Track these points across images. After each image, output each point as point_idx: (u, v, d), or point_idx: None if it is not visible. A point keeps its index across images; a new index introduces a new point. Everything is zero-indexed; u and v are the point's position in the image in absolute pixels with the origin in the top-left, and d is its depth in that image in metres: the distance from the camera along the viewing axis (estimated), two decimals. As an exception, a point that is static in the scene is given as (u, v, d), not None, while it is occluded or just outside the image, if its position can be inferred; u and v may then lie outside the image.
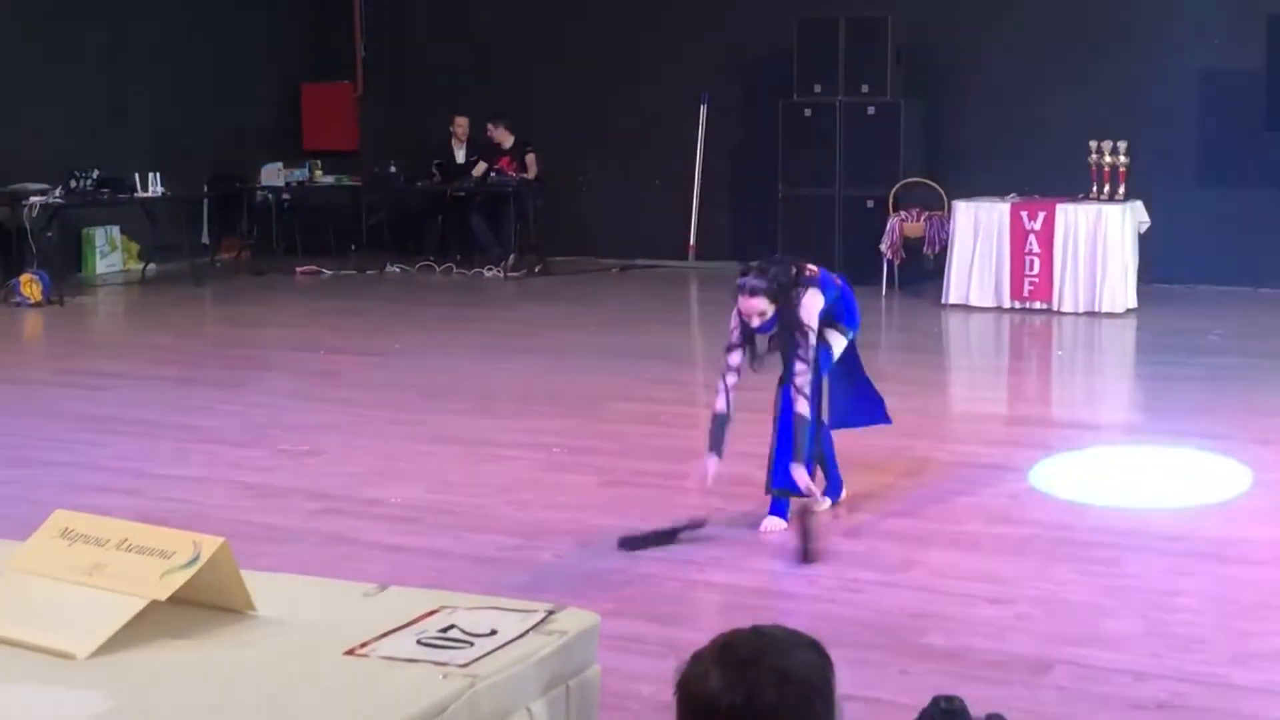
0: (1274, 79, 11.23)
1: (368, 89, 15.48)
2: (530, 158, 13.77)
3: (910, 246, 11.92)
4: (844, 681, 1.95)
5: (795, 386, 5.18)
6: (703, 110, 13.82)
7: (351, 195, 14.94)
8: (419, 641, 2.31)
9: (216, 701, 2.16)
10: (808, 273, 5.31)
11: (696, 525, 5.24)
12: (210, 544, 2.38)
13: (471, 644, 2.29)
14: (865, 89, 12.40)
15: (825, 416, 5.63)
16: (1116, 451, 6.79)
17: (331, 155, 15.12)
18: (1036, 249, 10.99)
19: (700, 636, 2.02)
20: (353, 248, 14.88)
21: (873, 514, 5.68)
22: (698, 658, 1.93)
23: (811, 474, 5.56)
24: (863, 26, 12.38)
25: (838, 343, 5.51)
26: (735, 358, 5.29)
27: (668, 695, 1.96)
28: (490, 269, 13.51)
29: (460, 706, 2.12)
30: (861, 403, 5.85)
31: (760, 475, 5.81)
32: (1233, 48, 11.67)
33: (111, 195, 12.74)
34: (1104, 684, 4.02)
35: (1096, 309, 10.77)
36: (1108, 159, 11.01)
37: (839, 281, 5.51)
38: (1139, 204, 11.11)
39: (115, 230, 13.89)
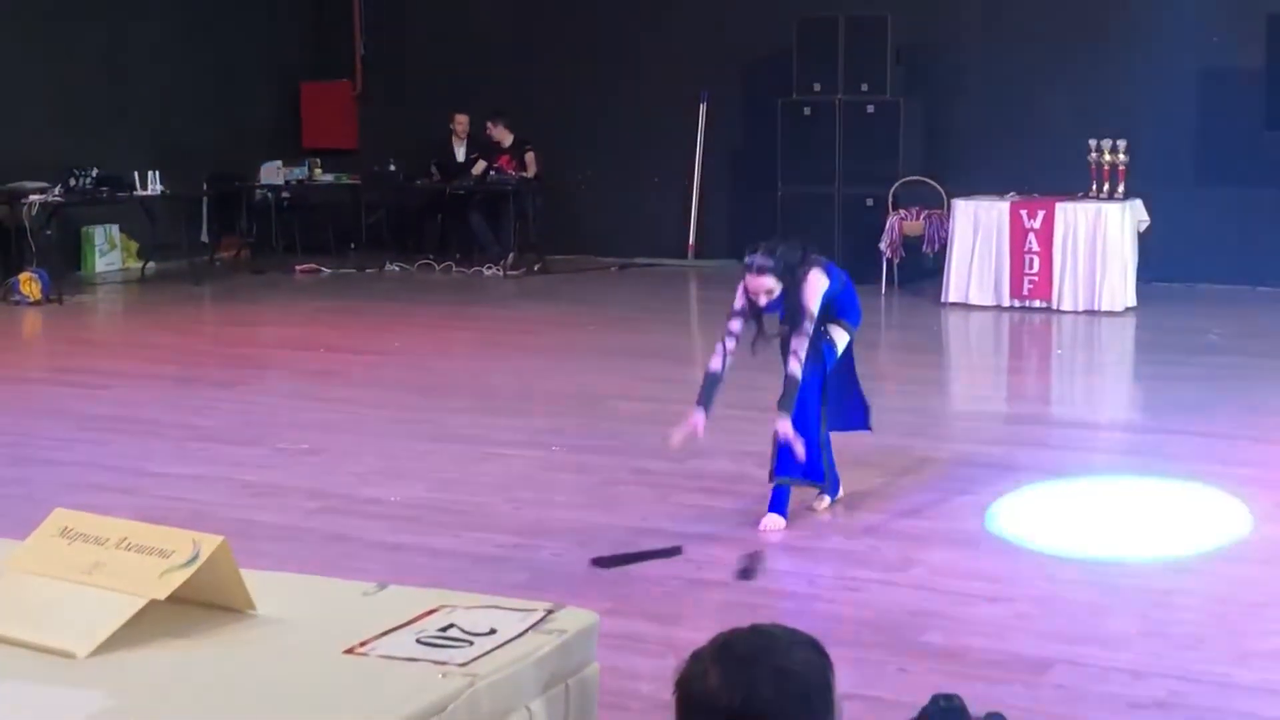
0: (1274, 78, 11.22)
1: (367, 87, 15.47)
2: (530, 156, 13.77)
3: (910, 245, 11.92)
4: (843, 680, 1.95)
5: (791, 350, 5.25)
6: (702, 109, 13.81)
7: (351, 194, 14.93)
8: (418, 640, 2.31)
9: (216, 700, 2.16)
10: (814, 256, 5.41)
11: (671, 552, 5.16)
12: (209, 543, 2.38)
13: (471, 643, 2.29)
14: (865, 88, 12.40)
15: (822, 414, 5.64)
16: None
17: (331, 154, 15.11)
18: (1036, 247, 10.98)
19: (699, 636, 2.03)
20: (352, 246, 14.87)
21: (872, 513, 5.68)
22: (697, 657, 1.93)
23: (822, 477, 5.57)
24: (862, 25, 12.37)
25: (841, 338, 5.53)
26: (736, 325, 5.37)
27: (667, 694, 1.96)
28: (489, 267, 13.50)
29: (460, 705, 2.12)
30: (848, 406, 5.84)
31: (759, 474, 5.82)
32: (1233, 47, 11.67)
33: (111, 194, 12.74)
34: (1103, 683, 4.03)
35: (1096, 308, 10.77)
36: (1107, 158, 11.01)
37: (843, 277, 5.54)
38: (1138, 203, 11.11)
39: (114, 229, 13.88)
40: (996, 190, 11.45)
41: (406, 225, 15.15)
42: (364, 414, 7.63)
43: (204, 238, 14.69)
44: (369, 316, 11.20)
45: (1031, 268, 11.00)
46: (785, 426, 5.24)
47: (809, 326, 5.26)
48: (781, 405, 5.25)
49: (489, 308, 11.76)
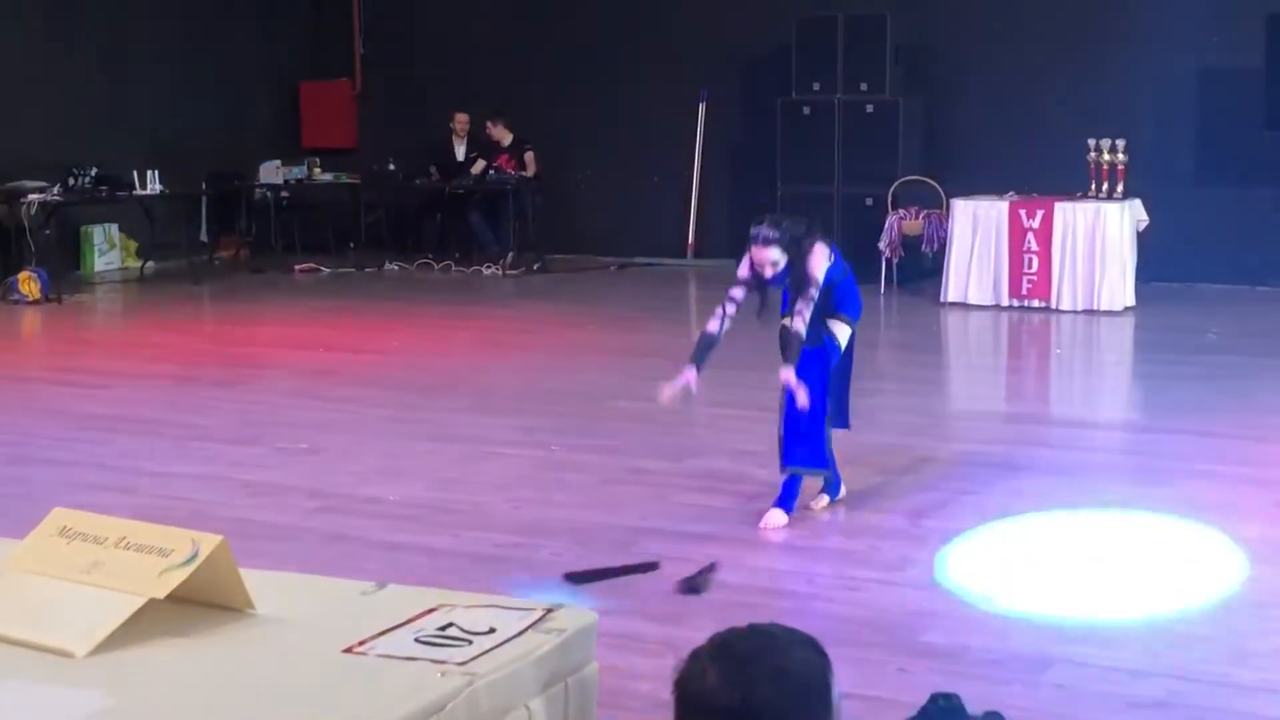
0: (1273, 78, 11.23)
1: (366, 87, 15.47)
2: (529, 155, 13.77)
3: (909, 244, 11.92)
4: (842, 680, 1.95)
5: (796, 311, 5.30)
6: (701, 108, 13.82)
7: (350, 193, 14.93)
8: (417, 640, 2.31)
9: (215, 699, 2.16)
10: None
11: (647, 568, 5.11)
12: (208, 542, 2.38)
13: (470, 642, 2.29)
14: (864, 87, 12.40)
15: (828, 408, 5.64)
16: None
17: (330, 153, 15.12)
18: (1035, 247, 10.99)
19: (698, 635, 2.02)
20: (351, 245, 14.86)
21: (872, 513, 5.68)
22: (695, 656, 1.93)
23: (828, 464, 5.57)
24: (861, 24, 12.38)
25: (843, 332, 5.54)
26: (738, 292, 5.44)
27: (666, 693, 1.96)
28: (489, 267, 13.50)
29: (459, 704, 2.12)
30: (843, 405, 5.85)
31: (759, 474, 5.83)
32: (1232, 47, 11.67)
33: (110, 193, 12.74)
34: (1102, 682, 4.02)
35: (1095, 307, 10.77)
36: (1106, 157, 11.01)
37: (845, 265, 5.57)
38: (1138, 202, 11.11)
39: (114, 228, 13.88)
40: (996, 190, 11.45)
41: (406, 225, 15.15)
42: (363, 413, 7.63)
43: (203, 237, 14.69)
44: (368, 316, 11.20)
45: (1030, 267, 11.00)
46: (788, 374, 5.30)
47: (814, 293, 5.32)
48: (786, 358, 5.32)
49: (488, 307, 11.76)
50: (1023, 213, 11.04)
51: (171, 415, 7.63)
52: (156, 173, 12.98)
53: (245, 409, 7.78)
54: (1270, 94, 11.23)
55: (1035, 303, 11.02)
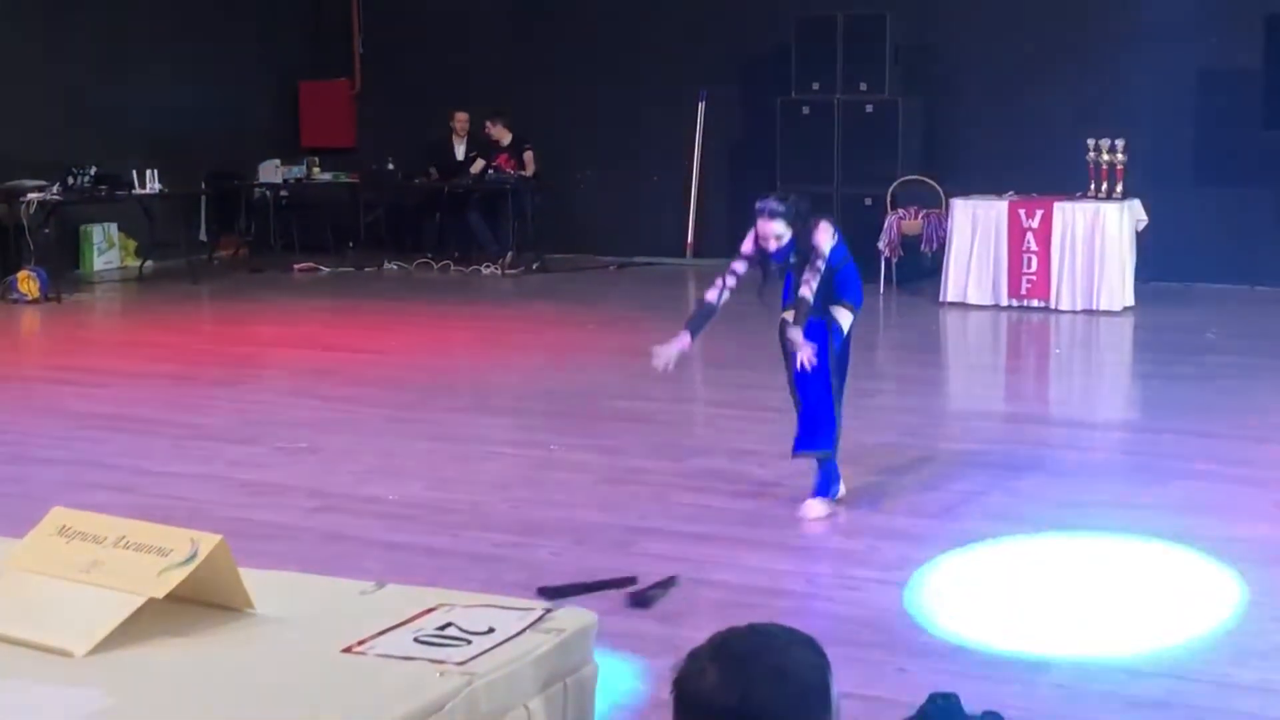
0: (1272, 78, 11.23)
1: (366, 86, 15.47)
2: (528, 155, 13.76)
3: (908, 244, 11.92)
4: (842, 680, 1.95)
5: (804, 279, 5.33)
6: (701, 108, 13.82)
7: (349, 192, 14.93)
8: (416, 639, 2.30)
9: (214, 699, 2.16)
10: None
11: (624, 583, 5.08)
12: (208, 541, 2.38)
13: (469, 642, 2.29)
14: (863, 87, 12.40)
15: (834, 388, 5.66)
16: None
17: (329, 152, 15.11)
18: (1034, 247, 10.99)
19: (697, 635, 2.02)
20: (350, 245, 14.85)
21: (871, 513, 5.68)
22: (695, 655, 1.93)
23: (834, 445, 5.60)
24: (861, 24, 12.38)
25: (845, 319, 5.56)
26: (741, 266, 5.49)
27: (665, 693, 1.96)
28: (488, 266, 13.50)
29: (458, 704, 2.12)
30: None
31: (758, 474, 5.83)
32: (1231, 47, 11.67)
33: (109, 192, 12.73)
34: (1101, 682, 4.03)
35: (1094, 307, 10.77)
36: (1105, 157, 11.01)
37: (847, 251, 5.62)
38: (1137, 202, 11.11)
39: (113, 227, 13.87)
40: (995, 189, 11.45)
41: (405, 224, 15.14)
42: (362, 413, 7.63)
43: (202, 236, 14.69)
44: (367, 315, 11.20)
45: (1030, 267, 11.00)
46: (796, 334, 5.33)
47: (821, 265, 5.37)
48: (794, 320, 5.35)
49: (487, 307, 11.76)
50: (1022, 212, 11.04)
51: (170, 414, 7.62)
52: (155, 172, 12.98)
53: (244, 408, 7.78)
54: (1269, 94, 11.23)
55: (1034, 303, 11.02)
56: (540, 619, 2.39)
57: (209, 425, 7.33)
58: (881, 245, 11.86)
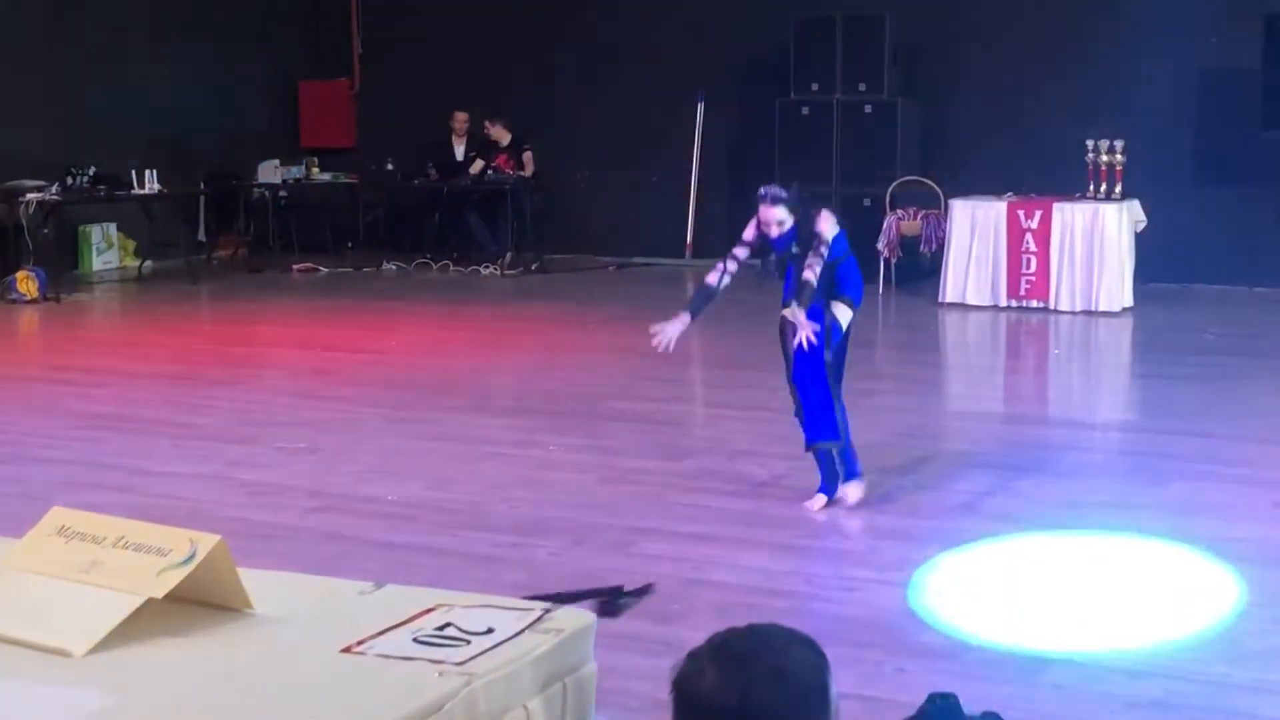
0: (1271, 78, 11.23)
1: (365, 86, 15.47)
2: (527, 155, 13.76)
3: (907, 245, 11.92)
4: (841, 680, 1.95)
5: (806, 264, 5.35)
6: (700, 108, 13.81)
7: (348, 192, 14.92)
8: (415, 639, 2.30)
9: (213, 699, 2.16)
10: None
11: (612, 592, 5.09)
12: (207, 542, 2.37)
13: (468, 642, 2.28)
14: (862, 87, 12.40)
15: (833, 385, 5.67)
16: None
17: (328, 152, 15.11)
18: (1033, 248, 10.99)
19: (697, 635, 2.02)
20: (349, 245, 14.85)
21: (870, 513, 5.68)
22: (694, 656, 1.92)
23: (838, 435, 5.62)
24: (860, 25, 12.38)
25: (844, 315, 5.57)
26: (742, 252, 5.55)
27: (664, 693, 1.96)
28: (487, 266, 13.50)
29: (457, 704, 2.12)
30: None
31: (757, 474, 5.83)
32: (1230, 47, 11.68)
33: (108, 192, 12.73)
34: (1100, 682, 4.03)
35: (1093, 308, 10.78)
36: (1104, 158, 11.01)
37: (848, 246, 5.63)
38: (1135, 203, 11.12)
39: (112, 227, 13.87)
40: (994, 190, 11.45)
41: (404, 224, 15.14)
42: (361, 413, 7.63)
43: (201, 236, 14.68)
44: (366, 315, 11.20)
45: (1029, 268, 11.00)
46: (796, 312, 5.36)
47: (824, 250, 5.40)
48: (797, 302, 5.37)
49: (486, 307, 11.76)
50: (1021, 213, 11.04)
51: (169, 414, 7.62)
52: (155, 172, 12.97)
53: (243, 408, 7.78)
54: (1268, 94, 11.23)
55: (1033, 303, 11.02)
56: (539, 619, 2.39)
57: (208, 425, 7.34)
58: (880, 246, 11.86)
